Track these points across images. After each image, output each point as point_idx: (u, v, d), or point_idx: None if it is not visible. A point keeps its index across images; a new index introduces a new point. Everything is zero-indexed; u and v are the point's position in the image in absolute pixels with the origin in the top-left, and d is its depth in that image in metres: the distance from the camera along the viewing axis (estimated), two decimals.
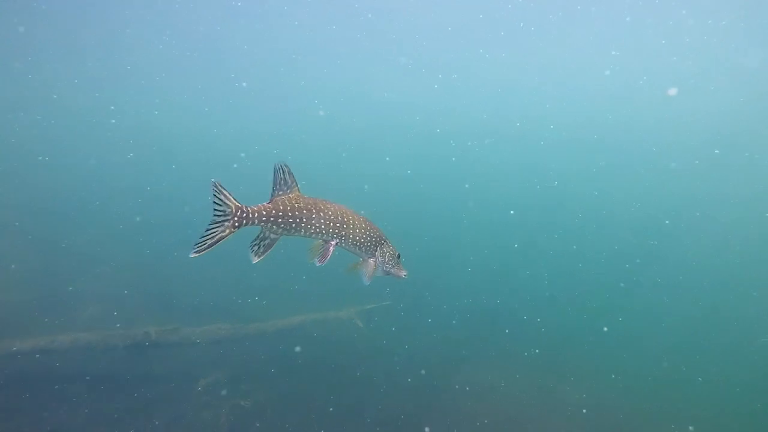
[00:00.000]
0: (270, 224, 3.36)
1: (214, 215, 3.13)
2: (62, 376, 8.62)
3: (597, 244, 22.40)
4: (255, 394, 9.00)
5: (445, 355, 11.57)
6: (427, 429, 8.62)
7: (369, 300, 11.66)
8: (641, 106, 33.39)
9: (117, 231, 14.69)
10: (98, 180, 20.10)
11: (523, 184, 30.13)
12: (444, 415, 9.28)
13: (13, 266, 11.85)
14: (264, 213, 3.33)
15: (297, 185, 3.50)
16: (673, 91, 32.84)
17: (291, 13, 30.21)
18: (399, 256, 3.94)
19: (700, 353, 13.70)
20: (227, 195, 3.15)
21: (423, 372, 10.60)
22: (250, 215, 3.26)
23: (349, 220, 3.67)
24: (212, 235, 3.12)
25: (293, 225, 3.44)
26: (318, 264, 3.61)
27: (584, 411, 9.77)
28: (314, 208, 3.51)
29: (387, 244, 3.91)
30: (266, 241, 3.45)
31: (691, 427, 9.61)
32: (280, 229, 3.42)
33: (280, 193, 3.44)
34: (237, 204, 3.20)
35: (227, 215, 3.17)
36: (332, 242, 3.63)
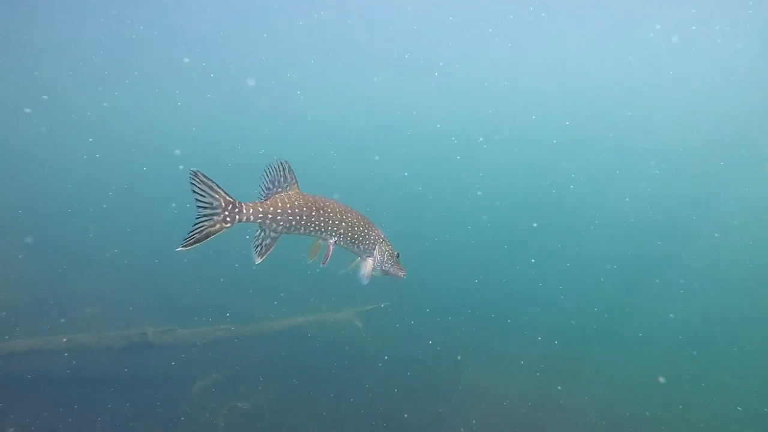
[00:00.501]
0: (269, 222, 3.30)
1: (199, 207, 3.03)
2: (58, 377, 8.56)
3: (598, 245, 22.38)
4: (253, 395, 8.93)
5: (444, 356, 11.51)
6: None
7: (368, 301, 11.60)
8: (653, 107, 33.40)
9: (115, 231, 14.63)
10: (96, 180, 20.07)
11: (523, 184, 30.14)
12: (443, 417, 9.22)
13: (9, 266, 11.78)
14: (261, 210, 3.26)
15: (297, 183, 3.43)
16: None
17: (290, 11, 30.19)
18: (398, 256, 3.88)
19: (702, 356, 13.65)
20: (213, 187, 3.03)
21: (422, 373, 10.54)
22: (245, 211, 3.18)
23: (348, 218, 3.62)
24: (200, 229, 3.02)
25: (293, 223, 3.38)
26: (322, 265, 3.55)
27: (585, 413, 9.71)
28: (314, 206, 3.46)
29: (386, 243, 3.85)
30: (267, 241, 3.38)
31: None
32: (280, 227, 3.36)
33: (279, 190, 3.38)
34: (228, 198, 3.10)
35: (215, 208, 3.07)
36: (331, 241, 3.57)
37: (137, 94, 32.74)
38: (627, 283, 18.81)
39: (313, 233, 3.51)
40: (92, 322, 9.97)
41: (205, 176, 3.00)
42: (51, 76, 30.40)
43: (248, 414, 8.49)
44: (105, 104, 28.62)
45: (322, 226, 3.51)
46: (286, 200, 3.36)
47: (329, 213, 3.52)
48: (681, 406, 10.51)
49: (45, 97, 28.66)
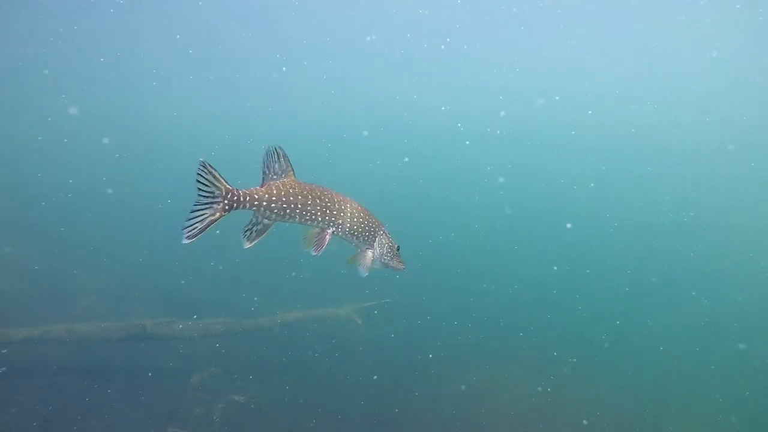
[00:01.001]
0: (263, 209, 3.23)
1: (200, 196, 2.98)
2: (55, 367, 8.52)
3: (598, 246, 22.30)
4: (250, 390, 8.87)
5: (444, 354, 11.44)
6: None
7: (368, 297, 11.53)
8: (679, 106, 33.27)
9: (115, 222, 14.61)
10: (97, 171, 20.08)
11: (524, 183, 30.02)
12: (442, 416, 9.15)
13: (9, 256, 11.76)
14: (257, 197, 3.19)
15: (292, 169, 3.36)
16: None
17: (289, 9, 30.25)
18: (398, 248, 3.80)
19: (700, 357, 13.64)
20: (217, 176, 3.00)
21: (421, 372, 10.48)
22: (242, 198, 3.12)
23: (346, 208, 3.53)
24: (202, 218, 2.97)
25: (287, 211, 3.30)
26: (314, 253, 3.47)
27: (584, 414, 9.64)
28: (310, 194, 3.38)
29: (385, 235, 3.77)
30: (259, 227, 3.31)
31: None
32: (274, 215, 3.28)
33: (274, 177, 3.31)
34: (227, 186, 3.06)
35: (216, 197, 3.02)
36: (328, 231, 3.49)
37: (137, 88, 32.88)
38: (629, 286, 18.74)
39: (309, 222, 3.43)
40: (91, 312, 9.93)
41: (212, 167, 2.97)
42: (50, 70, 30.58)
43: (245, 408, 8.44)
44: (105, 98, 28.73)
45: (319, 215, 3.42)
46: (281, 187, 3.29)
47: (326, 202, 3.44)
48: (679, 409, 10.47)
49: (43, 88, 28.80)
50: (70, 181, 18.32)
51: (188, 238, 2.91)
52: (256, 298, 11.74)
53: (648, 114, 33.54)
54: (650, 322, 15.60)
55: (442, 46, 32.76)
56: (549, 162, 32.96)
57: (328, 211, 3.45)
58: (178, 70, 34.23)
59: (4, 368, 8.02)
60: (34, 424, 7.44)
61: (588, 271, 19.33)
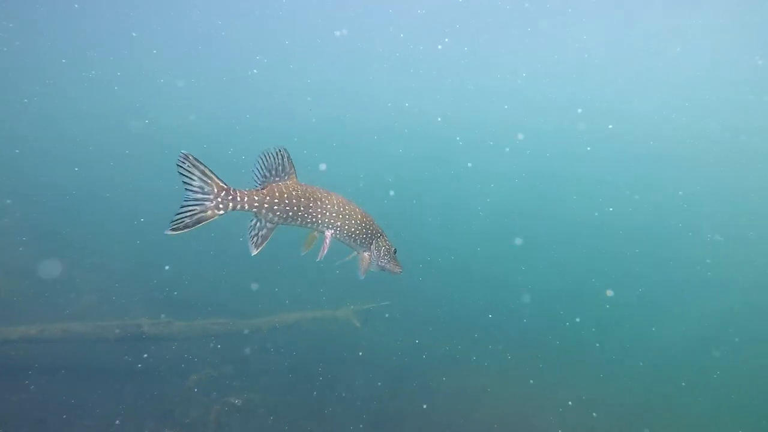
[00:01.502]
0: (265, 211, 3.18)
1: (188, 191, 2.91)
2: (51, 366, 8.46)
3: (594, 247, 22.31)
4: (247, 392, 8.82)
5: (442, 356, 11.43)
6: None
7: (367, 300, 11.48)
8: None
9: (115, 221, 14.57)
10: (98, 169, 20.07)
11: (523, 183, 30.05)
12: (440, 417, 9.11)
13: (5, 253, 11.72)
14: (257, 199, 3.14)
15: (295, 172, 3.32)
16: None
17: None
18: (395, 251, 3.77)
19: (694, 356, 13.70)
20: (206, 172, 2.92)
21: (419, 374, 10.46)
22: (239, 199, 3.07)
23: (346, 210, 3.51)
24: (191, 213, 2.91)
25: (290, 213, 3.27)
26: (318, 258, 3.44)
27: (578, 414, 9.64)
28: (312, 197, 3.35)
29: (383, 238, 3.75)
30: (263, 231, 3.27)
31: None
32: (276, 218, 3.24)
33: (276, 179, 3.26)
34: (221, 184, 3.00)
35: (208, 194, 2.96)
36: (328, 233, 3.46)
37: (138, 87, 32.92)
38: (623, 286, 18.80)
39: (309, 225, 3.41)
40: (88, 312, 9.88)
41: (196, 160, 2.89)
42: (49, 66, 30.62)
43: (241, 410, 8.38)
44: (107, 96, 28.80)
45: (319, 218, 3.40)
46: (284, 190, 3.25)
47: (327, 205, 3.42)
48: (674, 408, 10.47)
49: (44, 88, 28.85)
50: (69, 179, 18.31)
51: (172, 230, 2.84)
52: (253, 300, 11.69)
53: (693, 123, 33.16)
54: (653, 328, 15.65)
55: (439, 46, 32.71)
56: (549, 162, 32.98)
57: (328, 214, 3.42)
58: (178, 69, 34.35)
59: None
60: (29, 423, 7.39)
61: (583, 272, 19.39)
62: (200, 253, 13.55)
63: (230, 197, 3.03)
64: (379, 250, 3.70)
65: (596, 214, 25.84)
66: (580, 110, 33.54)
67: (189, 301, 11.07)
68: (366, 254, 3.70)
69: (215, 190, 2.97)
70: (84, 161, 20.59)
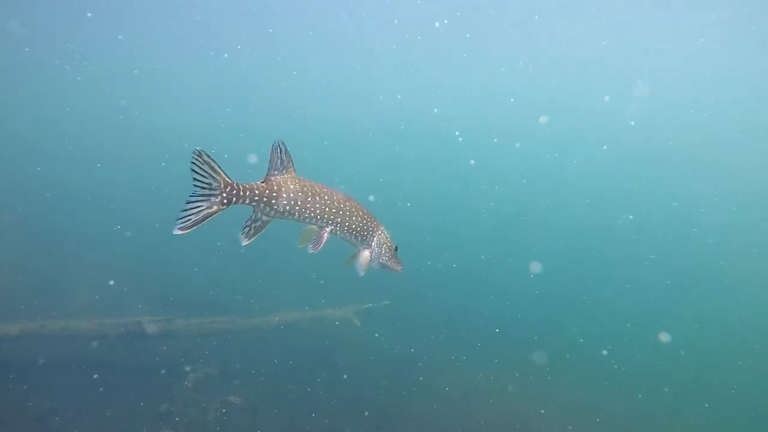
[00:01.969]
0: (263, 205, 3.15)
1: (196, 186, 2.89)
2: (50, 363, 8.44)
3: (593, 248, 22.26)
4: (246, 390, 8.79)
5: (442, 356, 11.40)
6: None
7: (367, 299, 11.44)
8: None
9: (116, 219, 14.55)
10: (100, 168, 20.09)
11: (522, 184, 29.97)
12: (438, 417, 9.07)
13: (7, 249, 11.72)
14: (257, 192, 3.11)
15: (293, 166, 3.28)
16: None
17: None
18: (396, 249, 3.72)
19: (692, 356, 13.64)
20: (215, 167, 2.90)
21: (418, 374, 10.42)
22: (241, 193, 3.04)
23: (346, 207, 3.47)
24: (198, 210, 2.88)
25: (287, 207, 3.23)
26: (311, 251, 3.39)
27: (577, 414, 9.61)
28: (311, 192, 3.31)
29: (384, 235, 3.70)
30: (257, 224, 3.23)
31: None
32: (273, 211, 3.21)
33: (275, 172, 3.23)
34: (227, 179, 2.97)
35: (214, 190, 2.93)
36: (327, 229, 3.42)
37: (141, 87, 33.01)
38: (623, 285, 18.78)
39: (308, 220, 3.36)
40: (88, 308, 9.85)
41: (209, 156, 2.87)
42: (51, 65, 30.70)
43: (240, 409, 8.35)
44: (109, 93, 28.90)
45: (318, 214, 3.35)
46: (282, 183, 3.21)
47: (326, 200, 3.38)
48: (672, 408, 10.48)
49: (45, 85, 28.95)
50: (72, 178, 18.34)
51: (181, 229, 2.82)
52: (253, 299, 11.67)
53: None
54: (654, 325, 15.62)
55: (437, 23, 32.16)
56: (549, 163, 32.91)
57: (327, 209, 3.37)
58: (178, 68, 34.41)
59: None
60: (28, 420, 7.37)
61: (585, 273, 19.35)
62: (201, 252, 13.53)
63: (234, 191, 3.00)
64: (380, 248, 3.65)
65: (602, 218, 25.83)
66: (607, 98, 32.65)
67: (189, 300, 11.04)
68: (366, 251, 3.65)
69: (222, 185, 2.94)
70: (86, 160, 20.63)
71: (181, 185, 2.95)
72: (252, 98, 37.77)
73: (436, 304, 14.36)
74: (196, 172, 2.85)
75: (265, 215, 3.21)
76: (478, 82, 36.42)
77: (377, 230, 3.65)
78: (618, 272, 20.14)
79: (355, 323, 10.89)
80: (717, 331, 15.95)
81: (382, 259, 3.67)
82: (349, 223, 3.48)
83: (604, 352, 12.46)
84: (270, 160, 3.20)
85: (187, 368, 8.92)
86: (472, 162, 30.61)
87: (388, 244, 3.69)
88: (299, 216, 3.31)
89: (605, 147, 32.90)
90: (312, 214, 3.34)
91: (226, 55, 35.57)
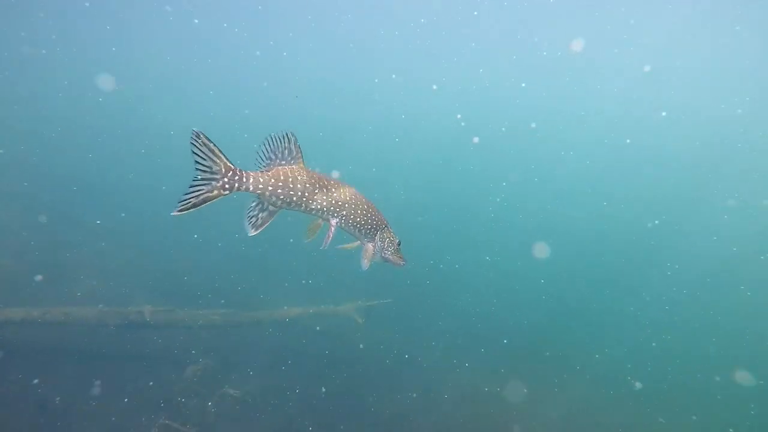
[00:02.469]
0: (269, 194, 3.14)
1: (197, 170, 2.89)
2: (51, 349, 8.49)
3: (593, 249, 22.17)
4: (245, 383, 8.80)
5: (442, 356, 11.37)
6: None
7: (370, 296, 11.43)
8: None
9: (122, 209, 14.59)
10: (108, 159, 20.18)
11: (523, 184, 29.86)
12: (437, 416, 9.05)
13: (12, 235, 11.77)
14: (262, 181, 3.10)
15: (302, 157, 3.26)
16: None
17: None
18: (399, 244, 3.72)
19: (690, 357, 13.63)
20: (215, 151, 2.89)
21: (416, 372, 10.41)
22: (245, 180, 3.03)
23: (352, 200, 3.46)
24: (198, 193, 2.88)
25: (294, 198, 3.22)
26: (322, 247, 3.39)
27: (577, 415, 9.55)
28: (318, 183, 3.31)
29: (388, 230, 3.70)
30: (264, 213, 3.22)
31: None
32: (279, 201, 3.19)
33: (283, 163, 3.21)
34: (228, 164, 2.96)
35: (215, 174, 2.93)
36: (333, 221, 3.41)
37: (146, 77, 33.17)
38: (623, 288, 18.70)
39: (313, 212, 3.36)
40: (91, 296, 9.89)
41: (207, 138, 2.86)
42: (50, 67, 30.93)
43: (239, 401, 8.36)
44: (113, 85, 29.02)
45: (324, 206, 3.35)
46: (290, 174, 3.20)
47: (333, 192, 3.37)
48: (670, 410, 10.48)
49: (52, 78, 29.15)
50: (80, 168, 18.42)
51: (179, 210, 2.82)
52: (256, 293, 11.67)
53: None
54: (645, 324, 15.59)
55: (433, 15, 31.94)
56: (549, 164, 32.77)
57: (334, 202, 3.37)
58: (177, 66, 34.61)
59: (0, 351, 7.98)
60: (28, 405, 7.40)
61: (585, 274, 19.29)
62: (205, 243, 13.55)
63: (236, 177, 3.00)
64: (383, 242, 3.65)
65: (596, 215, 25.73)
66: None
67: (192, 291, 11.07)
68: (370, 245, 3.65)
69: (223, 170, 2.94)
70: (95, 150, 20.71)
71: (190, 175, 2.94)
72: (252, 90, 37.93)
73: (437, 304, 14.31)
74: (197, 155, 2.85)
75: (272, 205, 3.21)
76: (490, 72, 36.25)
77: (381, 225, 3.65)
78: (634, 279, 19.98)
79: (356, 320, 10.89)
80: (735, 342, 15.84)
81: (385, 252, 3.67)
82: (353, 217, 3.48)
83: (618, 364, 12.42)
84: (274, 151, 3.19)
85: (188, 359, 8.95)
86: (475, 141, 30.26)
87: (392, 238, 3.70)
88: (305, 207, 3.30)
89: (628, 140, 32.61)
90: (318, 207, 3.33)
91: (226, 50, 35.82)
